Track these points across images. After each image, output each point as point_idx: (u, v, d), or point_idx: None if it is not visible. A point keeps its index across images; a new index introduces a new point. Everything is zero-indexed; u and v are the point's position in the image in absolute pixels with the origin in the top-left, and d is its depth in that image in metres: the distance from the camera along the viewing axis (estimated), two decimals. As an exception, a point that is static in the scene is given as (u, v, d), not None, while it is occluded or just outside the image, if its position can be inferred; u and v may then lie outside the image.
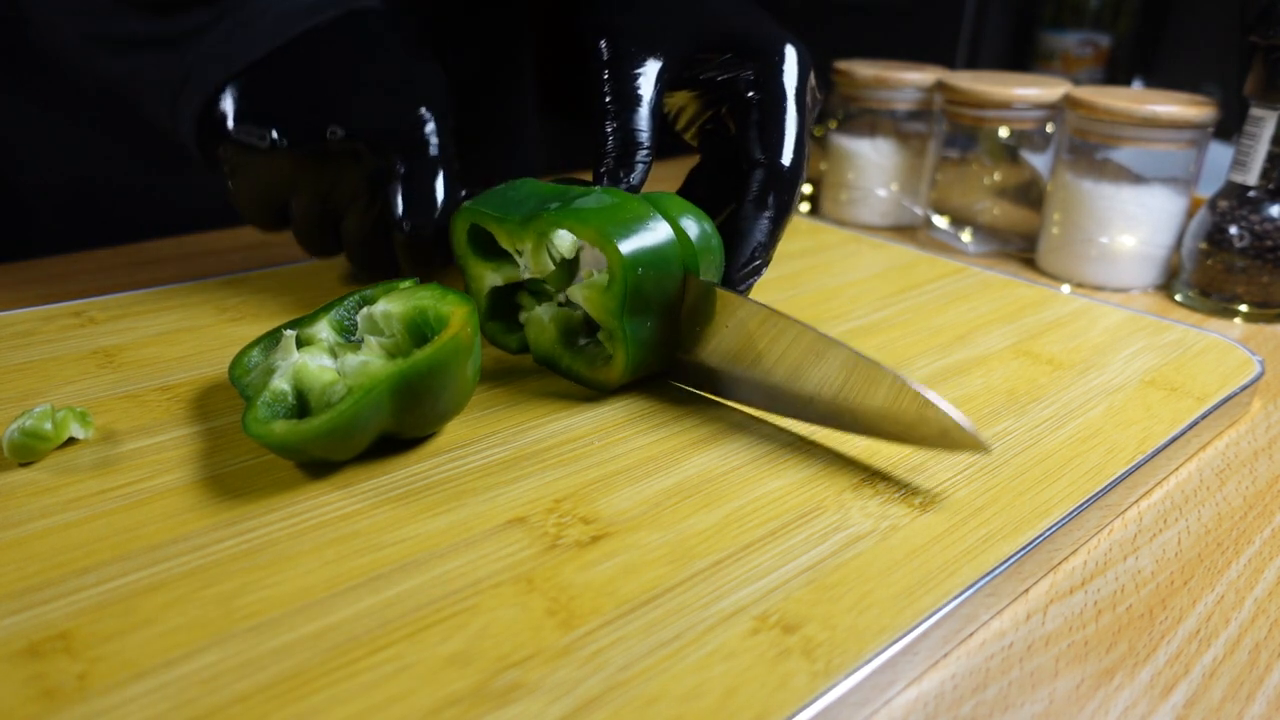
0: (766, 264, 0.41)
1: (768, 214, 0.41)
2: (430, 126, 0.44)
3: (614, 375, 0.38)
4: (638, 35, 0.42)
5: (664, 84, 0.42)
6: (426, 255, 0.45)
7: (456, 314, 0.34)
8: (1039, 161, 0.64)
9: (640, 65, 0.41)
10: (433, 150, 0.44)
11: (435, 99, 0.45)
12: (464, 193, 0.45)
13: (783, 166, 0.42)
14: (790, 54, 0.43)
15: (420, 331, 0.35)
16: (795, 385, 0.36)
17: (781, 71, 0.43)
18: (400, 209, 0.43)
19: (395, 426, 0.33)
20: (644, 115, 0.40)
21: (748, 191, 0.41)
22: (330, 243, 0.47)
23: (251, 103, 0.43)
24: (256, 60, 0.43)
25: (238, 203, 0.46)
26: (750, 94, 0.43)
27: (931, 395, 0.32)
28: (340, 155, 0.43)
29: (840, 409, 0.35)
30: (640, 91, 0.41)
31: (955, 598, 0.28)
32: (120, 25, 0.44)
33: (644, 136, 0.40)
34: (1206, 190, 0.60)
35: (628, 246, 0.35)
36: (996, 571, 0.29)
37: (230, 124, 0.43)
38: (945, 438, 0.32)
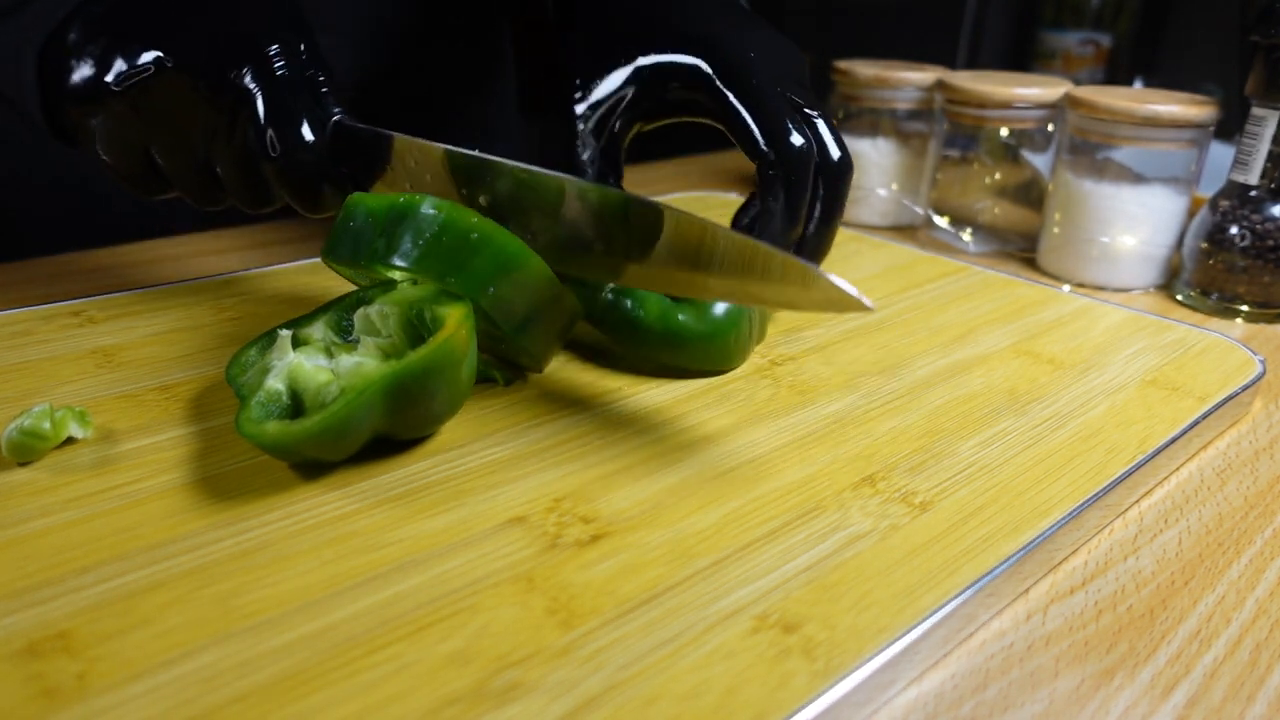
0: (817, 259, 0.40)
1: (781, 204, 0.40)
2: (275, 47, 0.40)
3: (540, 367, 0.39)
4: (598, 56, 0.42)
5: (624, 104, 0.42)
6: (305, 183, 0.41)
7: (452, 315, 0.34)
8: (1039, 161, 0.64)
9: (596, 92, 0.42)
10: (281, 66, 0.40)
11: (282, 21, 0.41)
12: (337, 111, 0.41)
13: (792, 147, 0.40)
14: (757, 45, 0.42)
15: (416, 332, 0.35)
16: (695, 270, 0.34)
17: (748, 59, 0.42)
18: (265, 135, 0.39)
19: (389, 428, 0.33)
20: (585, 142, 0.42)
21: (760, 190, 0.41)
22: (215, 189, 0.43)
23: (78, 53, 0.39)
24: (82, 5, 0.40)
25: (105, 168, 0.43)
26: (728, 92, 0.41)
27: (801, 260, 0.32)
28: (179, 91, 0.39)
29: (734, 289, 0.34)
30: (588, 121, 0.42)
31: (955, 598, 0.28)
32: None
33: (584, 161, 0.41)
34: (1207, 190, 0.60)
35: (464, 284, 0.35)
36: (996, 571, 0.29)
37: (61, 83, 0.40)
38: (831, 304, 0.31)
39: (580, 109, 0.43)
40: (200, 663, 0.24)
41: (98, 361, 0.41)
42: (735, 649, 0.25)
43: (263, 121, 0.39)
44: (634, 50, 0.43)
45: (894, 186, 0.70)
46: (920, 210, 0.69)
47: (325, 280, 0.51)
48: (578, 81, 0.42)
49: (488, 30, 0.75)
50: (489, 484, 0.33)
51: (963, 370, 0.43)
